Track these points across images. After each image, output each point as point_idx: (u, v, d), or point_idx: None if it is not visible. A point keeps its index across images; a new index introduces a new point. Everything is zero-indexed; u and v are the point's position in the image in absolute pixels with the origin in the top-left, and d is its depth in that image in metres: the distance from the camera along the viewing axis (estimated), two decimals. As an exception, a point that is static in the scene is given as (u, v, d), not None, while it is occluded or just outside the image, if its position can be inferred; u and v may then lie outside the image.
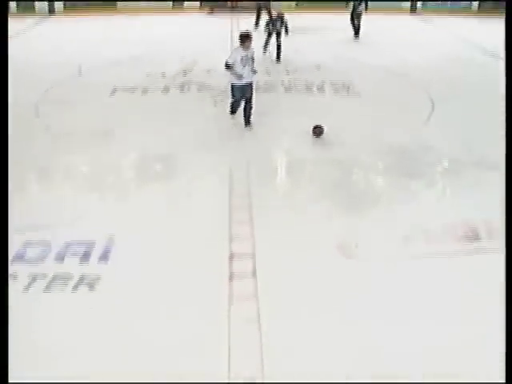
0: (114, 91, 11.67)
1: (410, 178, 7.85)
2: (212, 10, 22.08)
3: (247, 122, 9.64)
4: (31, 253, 6.20)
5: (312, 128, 9.12)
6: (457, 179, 7.95)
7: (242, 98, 9.38)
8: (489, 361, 4.71)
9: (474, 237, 6.50)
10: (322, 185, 7.78)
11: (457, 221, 6.75)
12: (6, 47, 5.68)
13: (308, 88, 11.88)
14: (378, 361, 4.84)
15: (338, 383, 4.13)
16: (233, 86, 9.29)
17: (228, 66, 8.97)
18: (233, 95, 9.43)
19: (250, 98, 9.50)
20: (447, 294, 5.63)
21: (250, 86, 9.39)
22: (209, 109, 10.63)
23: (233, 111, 9.75)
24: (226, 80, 10.11)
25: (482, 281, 5.73)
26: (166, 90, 11.84)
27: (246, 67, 9.11)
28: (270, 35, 14.08)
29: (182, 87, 12.00)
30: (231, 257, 6.11)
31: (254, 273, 5.88)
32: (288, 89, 11.90)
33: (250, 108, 9.57)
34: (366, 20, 16.93)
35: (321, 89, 11.84)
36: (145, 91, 11.74)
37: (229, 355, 4.89)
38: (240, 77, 9.01)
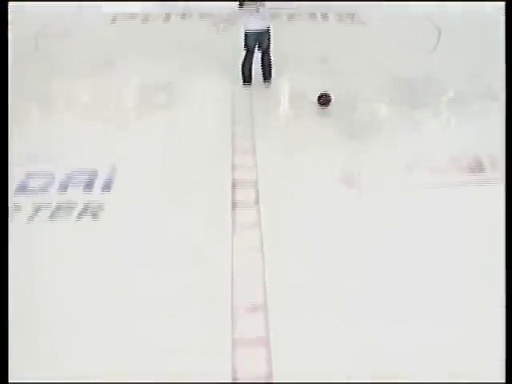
0: (114, 20, 11.43)
1: (414, 109, 7.75)
2: None
3: (267, 76, 8.48)
4: (34, 183, 6.22)
5: (317, 96, 7.78)
6: (461, 110, 7.85)
7: (256, 47, 8.21)
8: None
9: (478, 168, 6.47)
10: (325, 114, 7.69)
11: (460, 151, 6.70)
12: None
13: (312, 15, 11.62)
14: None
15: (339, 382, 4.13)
16: (246, 34, 8.13)
17: (241, 4, 8.03)
18: (245, 44, 8.18)
19: (267, 49, 8.31)
20: (449, 224, 5.63)
21: (266, 33, 8.19)
22: (211, 36, 10.42)
23: (245, 78, 8.43)
24: (228, 7, 9.88)
25: (485, 212, 5.71)
26: (167, 17, 11.60)
27: (261, 8, 7.99)
28: None
29: (183, 15, 11.75)
30: (234, 185, 6.12)
31: (256, 201, 5.90)
32: (291, 17, 11.64)
33: (269, 60, 8.40)
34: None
35: (325, 16, 11.58)
36: (145, 19, 11.49)
37: (232, 283, 4.94)
38: (257, 17, 7.97)
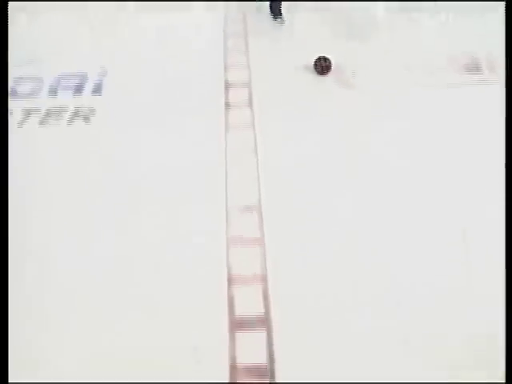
0: None
1: (412, 8, 7.49)
2: None
3: (277, 12, 7.07)
4: (22, 88, 6.10)
5: (314, 60, 6.34)
6: (461, 10, 7.58)
7: None
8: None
9: (475, 68, 6.33)
10: (321, 12, 7.39)
11: (458, 52, 6.52)
12: None
13: None
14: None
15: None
16: None
17: None
18: None
19: None
20: (447, 123, 5.53)
21: None
22: None
23: None
24: None
25: (483, 111, 5.60)
26: None
27: None
28: None
29: None
30: (227, 86, 6.02)
31: (250, 102, 5.81)
32: None
33: None
34: None
35: None
36: None
37: (226, 183, 4.94)
38: None
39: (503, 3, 5.48)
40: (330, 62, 6.21)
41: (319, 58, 6.23)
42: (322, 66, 6.22)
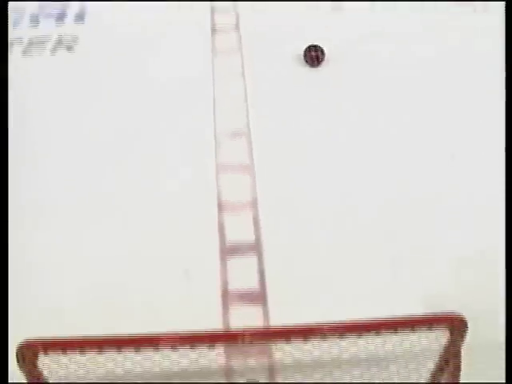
0: None
1: None
2: None
3: None
4: (4, 18, 5.94)
5: (304, 50, 5.32)
6: None
7: None
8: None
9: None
10: None
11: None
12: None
13: None
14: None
15: None
16: None
17: None
18: None
19: None
20: (445, 49, 5.43)
21: None
22: None
23: None
24: None
25: (481, 41, 5.43)
26: None
27: None
28: None
29: None
30: (213, 10, 5.85)
31: (236, 26, 5.66)
32: None
33: None
34: None
35: None
36: None
37: (213, 108, 4.86)
38: None
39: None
40: (322, 51, 5.32)
41: (309, 47, 5.32)
42: (313, 57, 5.31)
